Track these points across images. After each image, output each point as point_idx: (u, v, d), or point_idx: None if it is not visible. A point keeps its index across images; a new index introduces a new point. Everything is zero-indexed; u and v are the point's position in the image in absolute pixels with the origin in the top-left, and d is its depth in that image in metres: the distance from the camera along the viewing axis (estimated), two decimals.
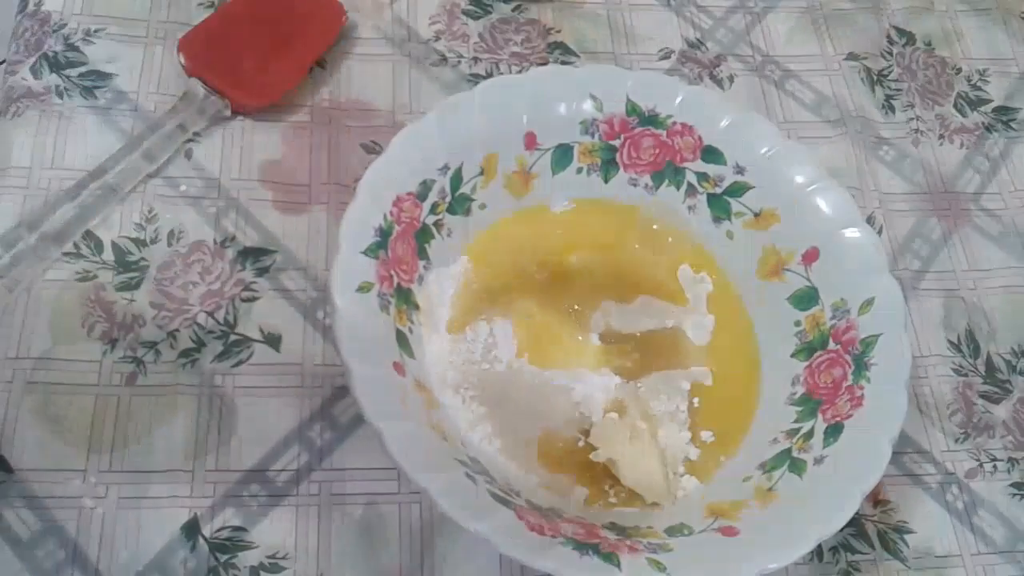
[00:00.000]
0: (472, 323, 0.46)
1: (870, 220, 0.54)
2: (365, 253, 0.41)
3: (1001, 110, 0.61)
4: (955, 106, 0.61)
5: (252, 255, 0.48)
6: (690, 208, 0.50)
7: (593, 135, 0.49)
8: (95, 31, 0.53)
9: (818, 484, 0.40)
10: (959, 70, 0.62)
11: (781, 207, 0.47)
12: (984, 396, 0.50)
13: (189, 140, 0.50)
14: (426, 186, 0.45)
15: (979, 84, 0.62)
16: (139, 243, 0.47)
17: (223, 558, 0.41)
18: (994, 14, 0.65)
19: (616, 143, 0.49)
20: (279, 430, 0.44)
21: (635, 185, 0.50)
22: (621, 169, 0.50)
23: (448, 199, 0.46)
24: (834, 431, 0.41)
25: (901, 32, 0.63)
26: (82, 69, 0.52)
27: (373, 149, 0.52)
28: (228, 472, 0.43)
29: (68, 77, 0.51)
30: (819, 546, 0.40)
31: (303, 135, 0.52)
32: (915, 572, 0.45)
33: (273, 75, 0.52)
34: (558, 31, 0.59)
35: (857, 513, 0.39)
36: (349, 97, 0.54)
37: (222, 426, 0.43)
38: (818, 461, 0.41)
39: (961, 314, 0.53)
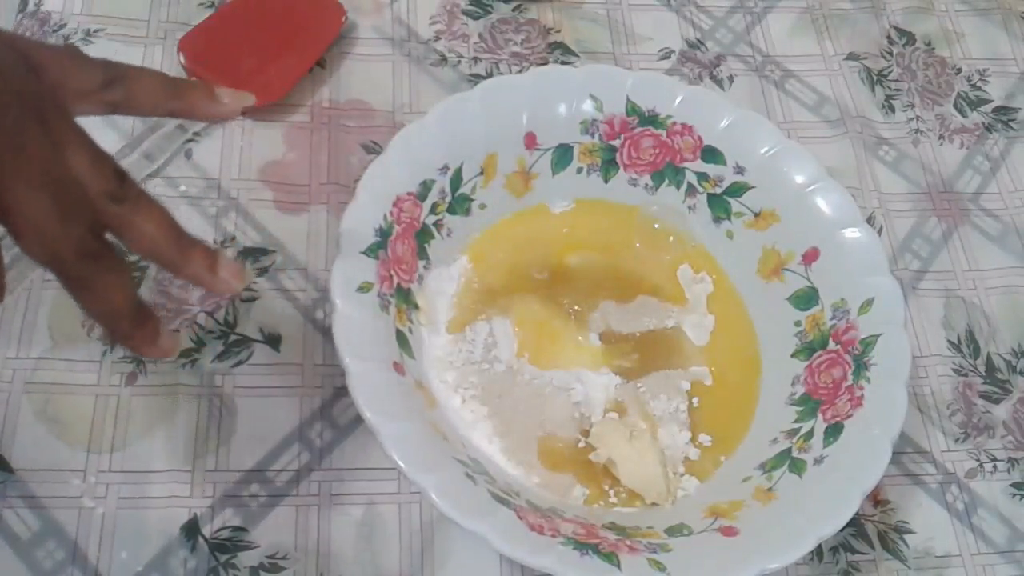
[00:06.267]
0: (472, 323, 0.46)
1: (870, 220, 0.54)
2: (365, 253, 0.41)
3: (1001, 110, 0.61)
4: (955, 106, 0.61)
5: (252, 255, 0.48)
6: (690, 208, 0.50)
7: (593, 135, 0.49)
8: (95, 31, 0.53)
9: (818, 484, 0.40)
10: (959, 70, 0.62)
11: (781, 207, 0.47)
12: (984, 396, 0.50)
13: (189, 140, 0.50)
14: (426, 186, 0.45)
15: (979, 84, 0.62)
16: None
17: (223, 558, 0.41)
18: (994, 14, 0.65)
19: (616, 143, 0.49)
20: (279, 430, 0.44)
21: (635, 185, 0.50)
22: (621, 169, 0.50)
23: (448, 199, 0.46)
24: (834, 431, 0.41)
25: (901, 32, 0.63)
26: None
27: (373, 149, 0.52)
28: (228, 472, 0.43)
29: None
30: (819, 546, 0.40)
31: (303, 135, 0.52)
32: (915, 572, 0.45)
33: (273, 75, 0.52)
34: (558, 31, 0.59)
35: (857, 513, 0.39)
36: (349, 97, 0.54)
37: (222, 426, 0.43)
38: (818, 461, 0.41)
39: (961, 314, 0.53)
